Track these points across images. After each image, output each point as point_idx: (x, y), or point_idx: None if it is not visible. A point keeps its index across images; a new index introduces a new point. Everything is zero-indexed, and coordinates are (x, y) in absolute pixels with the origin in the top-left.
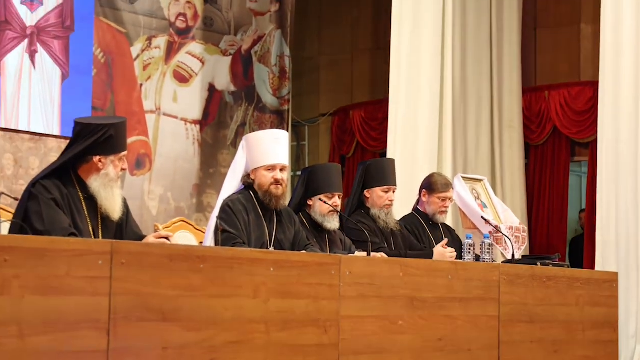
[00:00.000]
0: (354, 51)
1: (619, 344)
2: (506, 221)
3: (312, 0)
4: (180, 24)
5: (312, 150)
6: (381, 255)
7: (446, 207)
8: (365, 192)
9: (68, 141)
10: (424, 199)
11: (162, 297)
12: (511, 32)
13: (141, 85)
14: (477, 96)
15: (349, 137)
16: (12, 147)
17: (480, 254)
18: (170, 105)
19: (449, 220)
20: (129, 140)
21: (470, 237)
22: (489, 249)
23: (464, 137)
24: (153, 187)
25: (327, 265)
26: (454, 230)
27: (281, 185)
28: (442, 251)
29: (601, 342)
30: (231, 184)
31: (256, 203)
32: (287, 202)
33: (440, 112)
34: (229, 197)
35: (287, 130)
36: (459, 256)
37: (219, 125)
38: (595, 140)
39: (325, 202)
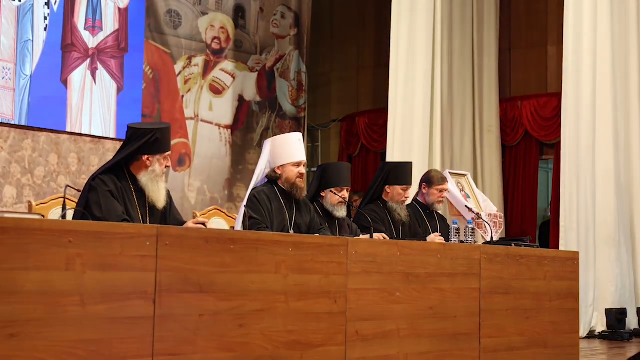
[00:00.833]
0: (359, 68)
1: (579, 312)
2: (486, 209)
3: (324, 26)
4: (215, 46)
5: (324, 150)
6: (382, 235)
7: (443, 197)
8: (387, 188)
9: (122, 143)
10: (424, 191)
11: (199, 272)
12: (490, 52)
13: (182, 96)
14: (462, 105)
15: (355, 140)
16: (76, 147)
17: (464, 237)
18: (206, 113)
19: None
20: (172, 142)
21: (456, 223)
22: (472, 232)
23: (450, 139)
24: (192, 181)
25: (336, 246)
26: (446, 219)
27: (303, 178)
28: (433, 237)
29: (565, 310)
30: (257, 179)
31: (278, 194)
32: (305, 193)
33: (431, 119)
34: (254, 189)
35: (304, 134)
36: (447, 239)
37: (247, 130)
38: (560, 142)
39: (335, 194)
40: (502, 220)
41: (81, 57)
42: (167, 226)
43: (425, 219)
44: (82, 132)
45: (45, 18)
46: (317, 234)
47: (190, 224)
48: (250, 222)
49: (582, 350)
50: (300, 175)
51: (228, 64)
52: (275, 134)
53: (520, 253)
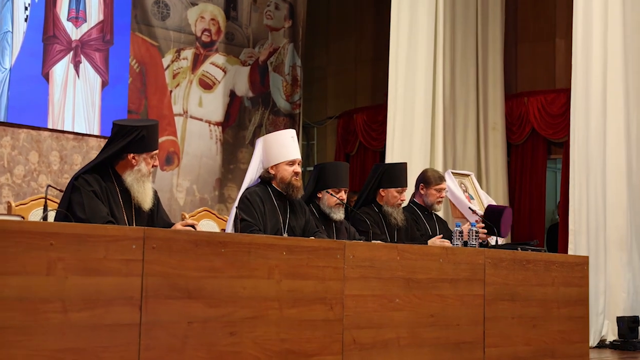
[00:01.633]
0: (357, 62)
1: (589, 320)
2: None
3: (320, 17)
4: (205, 38)
5: (320, 149)
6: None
7: (442, 197)
8: (381, 191)
9: (106, 140)
10: (422, 192)
11: (187, 277)
12: (495, 45)
13: (171, 91)
14: (465, 102)
15: (353, 137)
16: (58, 145)
17: (467, 240)
18: (196, 109)
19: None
20: (160, 140)
21: (459, 225)
22: (475, 235)
23: (453, 137)
24: (181, 180)
25: (333, 249)
26: (445, 222)
27: (299, 177)
28: (435, 240)
29: (574, 318)
30: (250, 179)
31: (272, 194)
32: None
33: (432, 116)
34: (246, 189)
35: (298, 131)
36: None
37: (238, 127)
38: (568, 140)
39: (332, 195)
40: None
41: (64, 49)
42: (154, 228)
43: (424, 220)
44: (65, 129)
45: (26, 8)
46: (313, 237)
47: (178, 226)
48: (242, 225)
49: None
50: (296, 174)
51: (219, 58)
52: (268, 131)
53: (527, 258)
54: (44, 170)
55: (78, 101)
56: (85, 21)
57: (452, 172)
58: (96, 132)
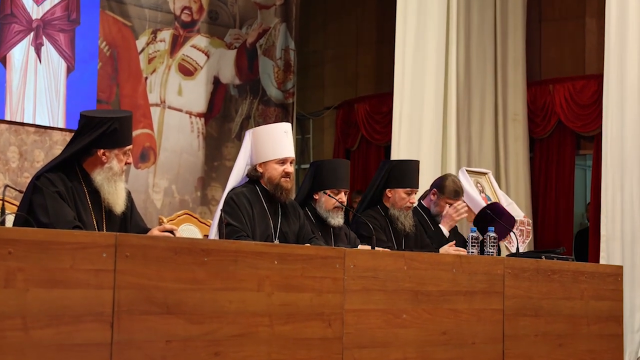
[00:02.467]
0: (358, 45)
1: (623, 338)
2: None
3: None
4: (185, 17)
5: (316, 143)
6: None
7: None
8: (387, 192)
9: (73, 134)
10: (432, 197)
11: (166, 290)
12: (516, 25)
13: (146, 78)
14: (481, 89)
15: (354, 131)
16: (17, 139)
17: (484, 247)
18: (175, 98)
19: None
20: (134, 134)
21: (475, 231)
22: (493, 242)
23: (467, 130)
24: (158, 180)
25: (331, 258)
26: (456, 227)
27: (289, 178)
28: (447, 248)
29: (606, 336)
30: (237, 178)
31: (261, 196)
32: (293, 196)
33: (444, 106)
34: (232, 190)
35: (292, 124)
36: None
37: (223, 119)
38: (600, 134)
39: (331, 197)
40: (529, 227)
41: (23, 30)
42: (127, 234)
43: (431, 226)
44: (25, 121)
45: None
46: (308, 244)
47: (155, 231)
48: (227, 230)
49: None
50: (286, 175)
51: (201, 40)
52: (258, 124)
53: (552, 267)
54: (1, 168)
55: (40, 89)
56: None
57: (466, 170)
58: (61, 124)
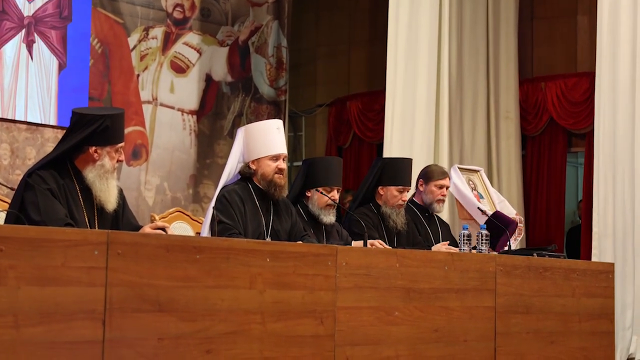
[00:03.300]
0: (351, 42)
1: (615, 335)
2: (503, 212)
3: None
4: (177, 15)
5: (308, 141)
6: (378, 242)
7: (444, 195)
8: (380, 189)
9: (64, 131)
10: (420, 188)
11: (158, 287)
12: (508, 23)
13: (138, 75)
14: (474, 87)
15: (346, 128)
16: (9, 137)
17: (476, 245)
18: (167, 95)
19: (445, 211)
20: (126, 131)
21: (467, 228)
22: (485, 239)
23: (460, 127)
24: (149, 177)
25: (323, 256)
26: (448, 225)
27: (283, 174)
28: (440, 247)
29: (597, 333)
30: (229, 175)
31: (253, 193)
32: (285, 193)
33: (436, 103)
34: (224, 187)
35: (284, 121)
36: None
37: (215, 116)
38: (592, 131)
39: (323, 194)
40: (521, 225)
41: (15, 27)
42: (119, 232)
43: (424, 223)
44: (16, 119)
45: None
46: (300, 242)
47: (147, 229)
48: (219, 228)
49: None
50: (279, 171)
51: (193, 37)
52: (250, 121)
53: (544, 265)
54: None
55: (31, 86)
56: None
57: (459, 168)
58: (52, 121)
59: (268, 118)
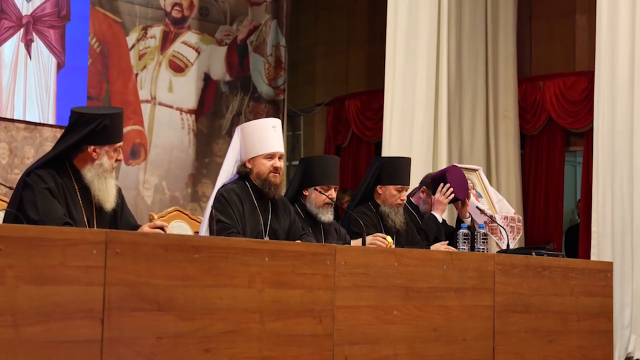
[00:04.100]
0: (349, 41)
1: (613, 334)
2: (501, 211)
3: None
4: (175, 14)
5: (307, 140)
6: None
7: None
8: (378, 188)
9: (63, 130)
10: (421, 195)
11: (156, 286)
12: (506, 22)
13: (136, 74)
14: (473, 86)
15: (344, 127)
16: (7, 136)
17: (475, 244)
18: (165, 94)
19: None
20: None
21: (465, 227)
22: (484, 238)
23: (459, 127)
24: (148, 176)
25: (322, 255)
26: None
27: (279, 173)
28: (439, 246)
29: (596, 332)
30: (226, 174)
31: (251, 192)
32: (283, 192)
33: (435, 102)
34: (223, 186)
35: (283, 120)
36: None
37: (214, 115)
38: (590, 130)
39: (321, 193)
40: (520, 224)
41: (13, 26)
42: (117, 231)
43: (419, 222)
44: (15, 118)
45: None
46: (299, 241)
47: (145, 228)
48: (218, 227)
49: None
50: (275, 170)
51: (191, 36)
52: (248, 120)
53: (543, 264)
54: None
55: (30, 86)
56: None
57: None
58: (51, 121)
59: (266, 117)
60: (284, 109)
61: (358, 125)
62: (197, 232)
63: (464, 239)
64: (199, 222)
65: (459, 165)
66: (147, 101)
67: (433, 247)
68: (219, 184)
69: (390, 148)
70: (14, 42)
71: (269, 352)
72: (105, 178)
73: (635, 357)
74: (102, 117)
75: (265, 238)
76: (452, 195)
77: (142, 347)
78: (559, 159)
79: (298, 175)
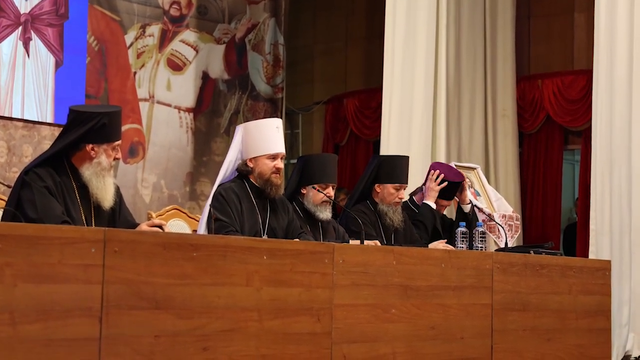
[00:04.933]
0: (348, 39)
1: (611, 332)
2: (499, 209)
3: None
4: (174, 12)
5: (305, 138)
6: (375, 242)
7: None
8: (376, 187)
9: (61, 129)
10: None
11: (154, 285)
12: (505, 21)
13: (135, 73)
14: (471, 85)
15: (343, 126)
16: (6, 134)
17: (473, 242)
18: (163, 93)
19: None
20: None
21: (463, 226)
22: (482, 237)
23: (457, 125)
24: (146, 175)
25: (320, 253)
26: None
27: (280, 174)
28: (437, 244)
29: (594, 330)
30: (226, 172)
31: (249, 191)
32: (282, 191)
33: (434, 101)
34: (221, 185)
35: (281, 119)
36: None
37: (212, 114)
38: (588, 129)
39: (319, 191)
40: (518, 222)
41: (11, 24)
42: (116, 229)
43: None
44: (13, 116)
45: None
46: (297, 239)
47: (144, 226)
48: (216, 225)
49: None
50: (277, 170)
51: (190, 35)
52: (246, 119)
53: (541, 262)
54: None
55: (28, 84)
56: None
57: (456, 165)
58: (49, 119)
59: (265, 116)
60: (282, 107)
61: (356, 123)
62: (195, 231)
63: (462, 237)
64: (198, 221)
65: (458, 164)
66: (145, 100)
67: (431, 246)
68: (218, 182)
69: (389, 146)
70: (12, 40)
71: (267, 350)
72: (104, 176)
73: (633, 355)
74: (101, 116)
75: (264, 236)
76: (445, 182)
77: (141, 345)
78: (557, 158)
79: (296, 174)
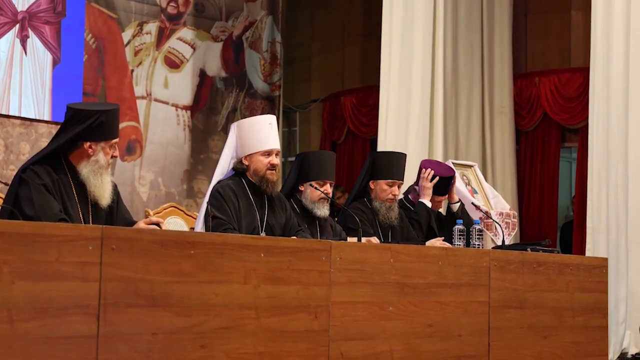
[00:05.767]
0: (345, 37)
1: (608, 330)
2: (496, 207)
3: None
4: (171, 10)
5: (303, 136)
6: (373, 239)
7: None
8: (371, 183)
9: (59, 127)
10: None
11: (152, 282)
12: (502, 18)
13: (132, 70)
14: (468, 82)
15: (340, 123)
16: (3, 132)
17: (470, 240)
18: (161, 90)
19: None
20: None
21: (460, 223)
22: (479, 234)
23: (454, 123)
24: (144, 172)
25: (317, 251)
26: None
27: (275, 170)
28: (434, 242)
29: (591, 327)
30: (222, 170)
31: (247, 188)
32: (280, 188)
33: (431, 98)
34: (218, 182)
35: (278, 116)
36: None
37: (209, 111)
38: (585, 126)
39: (316, 189)
40: (515, 220)
41: (8, 22)
42: (113, 227)
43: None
44: (10, 114)
45: None
46: (295, 237)
47: (141, 224)
48: (213, 223)
49: None
50: (272, 167)
51: (187, 32)
52: (244, 116)
53: (538, 259)
54: None
55: (25, 82)
56: None
57: (453, 163)
58: (47, 117)
59: (262, 113)
60: (279, 105)
61: (354, 121)
62: (192, 228)
63: (460, 235)
64: (195, 218)
65: (455, 162)
66: (142, 97)
67: (428, 243)
68: (215, 180)
69: (386, 144)
70: (10, 38)
71: (264, 347)
72: (101, 174)
73: (629, 353)
74: (98, 114)
75: (262, 234)
76: (436, 178)
77: (138, 342)
78: (554, 155)
79: (294, 171)
